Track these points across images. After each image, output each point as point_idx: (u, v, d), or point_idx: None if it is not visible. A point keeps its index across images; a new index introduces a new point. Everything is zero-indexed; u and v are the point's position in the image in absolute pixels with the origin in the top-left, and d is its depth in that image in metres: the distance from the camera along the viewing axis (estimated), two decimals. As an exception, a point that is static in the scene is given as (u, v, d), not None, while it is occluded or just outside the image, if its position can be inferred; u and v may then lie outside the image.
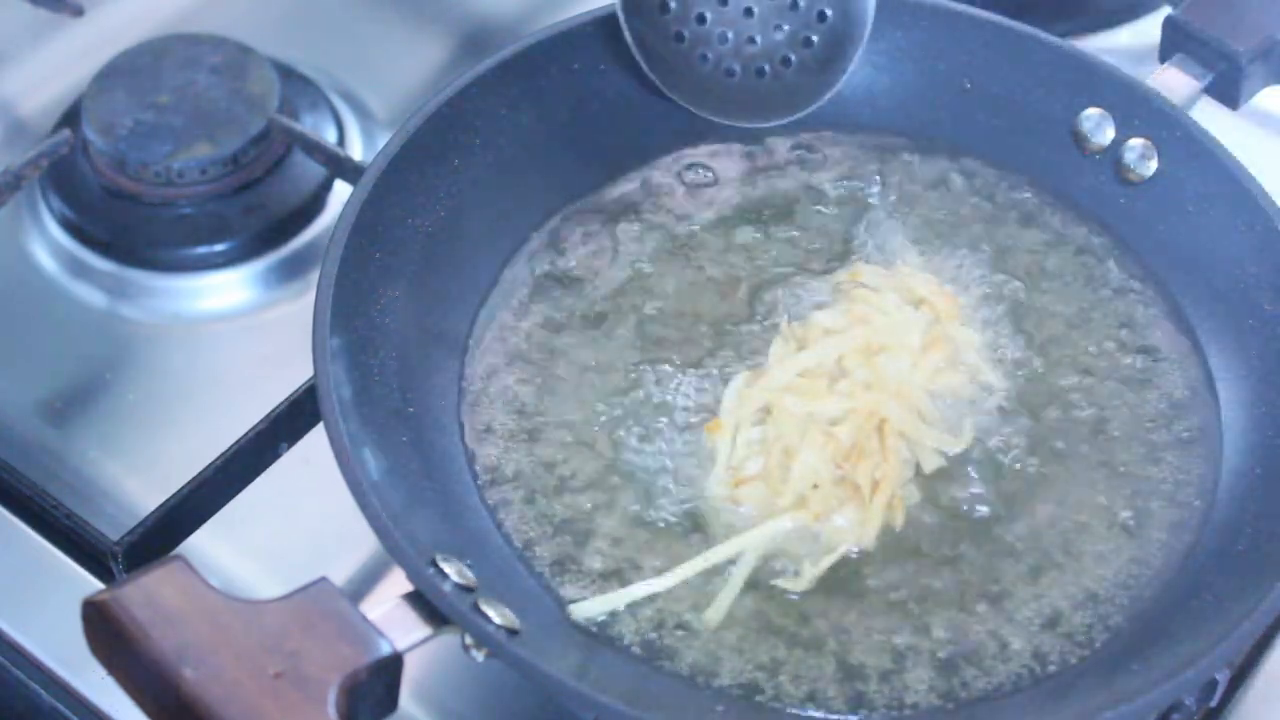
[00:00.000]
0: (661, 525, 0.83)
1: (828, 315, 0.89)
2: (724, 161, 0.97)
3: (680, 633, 0.79)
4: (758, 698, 0.78)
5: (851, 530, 0.83)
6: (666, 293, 0.92)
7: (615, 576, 0.81)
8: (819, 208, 0.95)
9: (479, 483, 0.84)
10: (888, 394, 0.86)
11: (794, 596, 0.81)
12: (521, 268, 0.92)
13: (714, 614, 0.80)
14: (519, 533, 0.82)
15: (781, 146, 0.97)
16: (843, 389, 0.86)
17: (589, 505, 0.83)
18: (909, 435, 0.85)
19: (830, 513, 0.83)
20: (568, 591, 0.80)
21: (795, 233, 0.94)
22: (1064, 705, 0.76)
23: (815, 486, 0.83)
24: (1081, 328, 0.90)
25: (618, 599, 0.80)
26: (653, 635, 0.79)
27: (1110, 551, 0.83)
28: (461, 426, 0.86)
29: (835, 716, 0.78)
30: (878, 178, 0.96)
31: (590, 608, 0.80)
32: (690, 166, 0.97)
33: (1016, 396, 0.88)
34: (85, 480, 0.94)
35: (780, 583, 0.81)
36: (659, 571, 0.81)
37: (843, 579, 0.82)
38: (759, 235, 0.94)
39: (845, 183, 0.96)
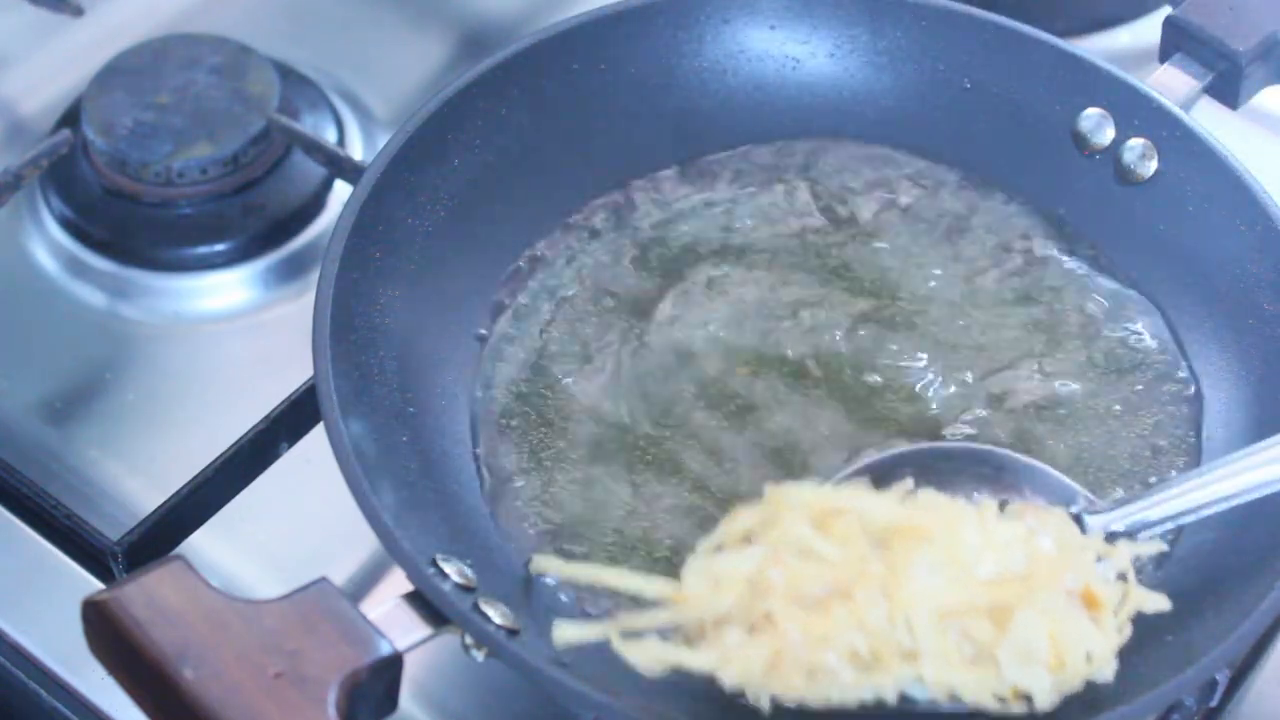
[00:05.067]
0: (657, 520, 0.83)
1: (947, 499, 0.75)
2: (726, 162, 0.97)
3: None
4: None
5: (688, 651, 0.72)
6: (673, 289, 0.92)
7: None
8: (821, 214, 0.95)
9: (479, 482, 0.84)
10: (882, 593, 0.71)
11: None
12: (522, 267, 0.92)
13: (562, 634, 0.72)
14: (519, 532, 0.83)
15: (784, 148, 0.97)
16: (857, 550, 0.72)
17: (591, 506, 0.84)
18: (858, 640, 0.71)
19: (697, 615, 0.72)
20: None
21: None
22: (1061, 705, 0.76)
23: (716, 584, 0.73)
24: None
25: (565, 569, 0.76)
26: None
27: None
28: (462, 426, 0.86)
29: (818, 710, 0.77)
30: (884, 183, 0.96)
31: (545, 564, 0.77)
32: (692, 166, 0.97)
33: None
34: (85, 480, 0.94)
35: (618, 643, 0.72)
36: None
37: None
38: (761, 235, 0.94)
39: (849, 185, 0.96)
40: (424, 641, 0.72)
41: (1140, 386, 0.89)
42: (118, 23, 1.16)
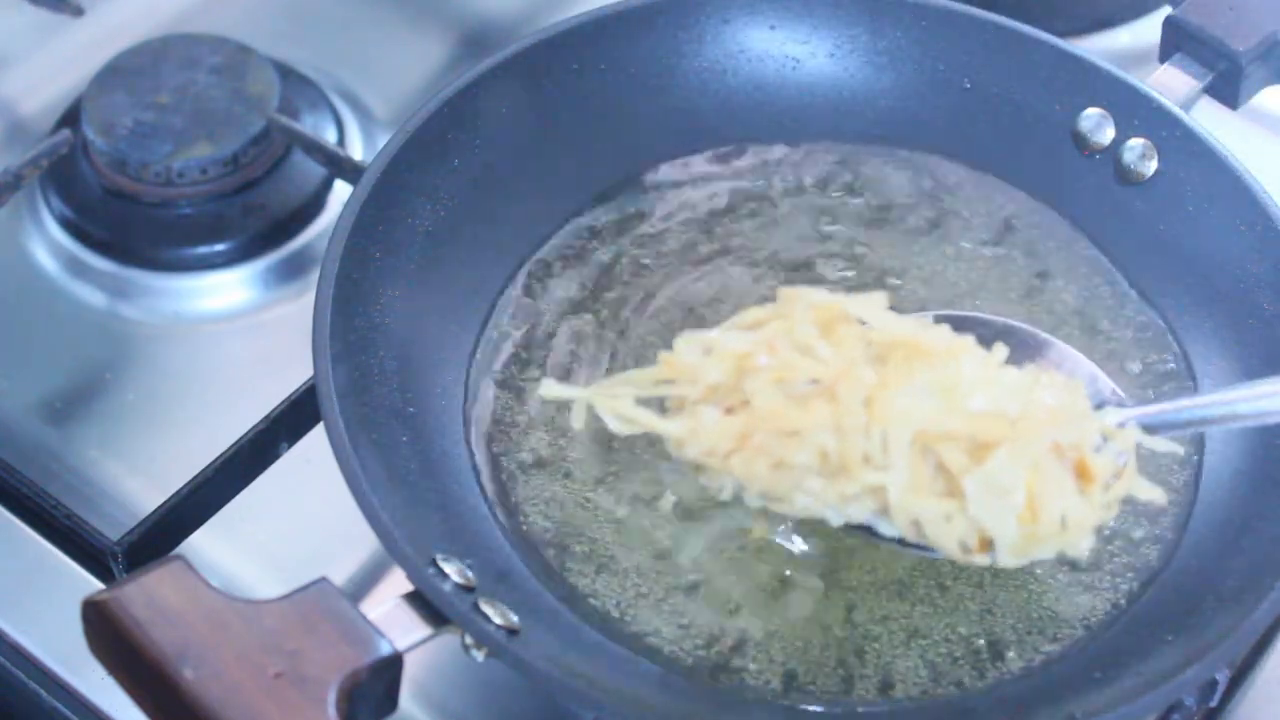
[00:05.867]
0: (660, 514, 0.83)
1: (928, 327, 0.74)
2: (726, 163, 0.97)
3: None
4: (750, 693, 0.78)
5: (660, 418, 0.73)
6: (673, 289, 0.92)
7: (607, 568, 0.82)
8: (823, 212, 0.95)
9: (479, 482, 0.84)
10: (865, 402, 0.70)
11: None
12: (522, 265, 0.92)
13: (547, 391, 0.77)
14: (519, 532, 0.83)
15: (786, 148, 0.97)
16: (852, 355, 0.71)
17: (591, 505, 0.84)
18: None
19: (682, 384, 0.73)
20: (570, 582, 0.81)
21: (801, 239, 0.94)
22: (1062, 704, 0.76)
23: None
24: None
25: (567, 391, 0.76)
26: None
27: (1104, 552, 0.83)
28: (462, 426, 0.86)
29: (819, 708, 0.78)
30: (886, 183, 0.96)
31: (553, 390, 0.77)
32: (691, 166, 0.97)
33: None
34: (85, 480, 0.94)
35: (597, 400, 0.74)
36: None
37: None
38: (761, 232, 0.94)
39: (849, 185, 0.96)
40: (424, 641, 0.72)
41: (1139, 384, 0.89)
42: (118, 23, 1.16)
